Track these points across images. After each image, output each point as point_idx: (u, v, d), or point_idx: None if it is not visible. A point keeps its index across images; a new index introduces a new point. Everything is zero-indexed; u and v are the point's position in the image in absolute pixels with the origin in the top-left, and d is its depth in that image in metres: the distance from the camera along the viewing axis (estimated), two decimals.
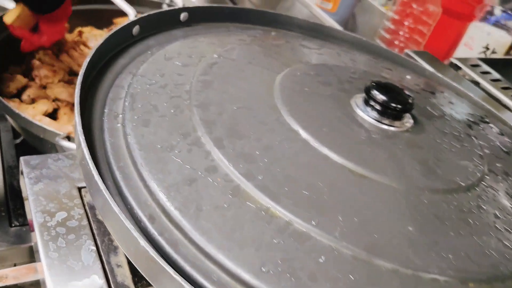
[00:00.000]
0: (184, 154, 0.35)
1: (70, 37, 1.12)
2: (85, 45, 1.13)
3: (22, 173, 0.56)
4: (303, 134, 0.38)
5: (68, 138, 0.77)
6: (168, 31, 0.54)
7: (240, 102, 0.41)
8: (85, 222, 0.52)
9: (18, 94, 0.95)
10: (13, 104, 0.91)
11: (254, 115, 0.40)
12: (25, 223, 0.88)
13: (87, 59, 0.40)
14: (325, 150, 0.37)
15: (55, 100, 0.94)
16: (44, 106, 0.91)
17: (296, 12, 1.20)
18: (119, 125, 0.38)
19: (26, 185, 0.54)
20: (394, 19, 0.94)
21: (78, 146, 0.34)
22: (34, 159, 0.57)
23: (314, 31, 0.62)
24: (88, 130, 0.37)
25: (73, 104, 0.94)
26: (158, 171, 0.33)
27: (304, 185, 0.34)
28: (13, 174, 0.96)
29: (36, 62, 1.00)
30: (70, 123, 0.90)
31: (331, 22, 1.05)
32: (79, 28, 1.17)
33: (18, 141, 1.04)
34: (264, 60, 0.49)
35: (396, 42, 0.92)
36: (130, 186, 0.33)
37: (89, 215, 0.53)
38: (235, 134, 0.37)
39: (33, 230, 0.49)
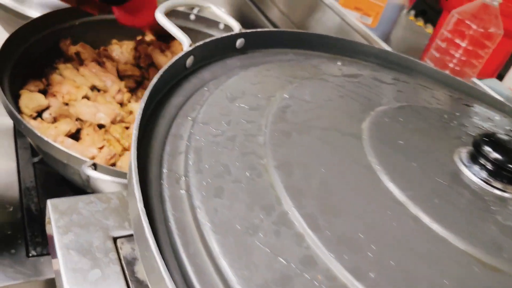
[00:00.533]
0: (272, 239, 0.27)
1: (91, 50, 1.04)
2: (109, 57, 1.05)
3: (49, 218, 0.49)
4: (412, 208, 0.30)
5: (94, 165, 0.69)
6: (223, 59, 0.46)
7: (327, 161, 0.33)
8: (122, 283, 0.44)
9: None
10: (33, 124, 0.84)
11: (348, 181, 0.32)
12: (43, 253, 0.80)
13: (142, 105, 0.32)
14: (442, 232, 0.29)
15: (78, 119, 0.87)
16: (67, 126, 0.83)
17: (329, 23, 1.12)
18: (183, 191, 0.30)
19: (54, 235, 0.46)
20: (446, 37, 0.85)
21: (139, 230, 0.26)
22: (64, 202, 0.49)
23: (386, 60, 0.54)
24: (144, 198, 0.30)
25: (98, 125, 0.87)
26: (241, 265, 0.25)
27: (428, 284, 0.26)
28: (30, 196, 0.89)
29: (56, 77, 0.93)
30: (94, 145, 0.83)
31: (375, 39, 0.97)
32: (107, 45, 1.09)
33: (36, 159, 0.96)
34: (341, 102, 0.41)
35: (451, 65, 0.84)
36: (206, 283, 0.25)
37: (127, 273, 0.45)
38: (329, 208, 0.29)
39: None
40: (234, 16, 1.27)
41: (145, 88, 1.03)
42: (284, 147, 0.33)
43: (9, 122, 1.02)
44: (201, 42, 0.42)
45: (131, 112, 0.93)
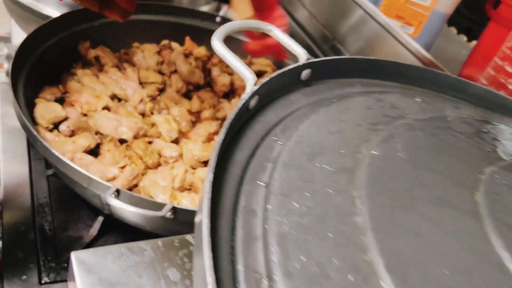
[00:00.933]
0: None
1: (111, 54, 0.96)
2: (129, 62, 0.98)
3: (72, 275, 0.41)
4: None
5: (117, 192, 0.62)
6: (285, 95, 0.38)
7: (446, 256, 0.25)
8: None
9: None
10: (49, 137, 0.76)
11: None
12: (57, 280, 0.73)
13: (210, 176, 0.24)
14: None
15: (98, 133, 0.79)
16: (86, 141, 0.75)
17: (366, 30, 1.03)
18: None
19: None
20: (505, 54, 0.77)
21: None
22: (90, 255, 0.42)
23: (465, 93, 0.46)
24: None
25: (120, 140, 0.79)
26: None
27: None
28: (44, 214, 0.81)
29: (75, 85, 0.85)
30: (115, 163, 0.75)
31: (417, 48, 0.88)
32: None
33: (50, 172, 0.89)
34: (439, 160, 0.33)
35: (511, 87, 0.75)
36: None
37: None
38: None
39: None
40: None
41: (168, 97, 0.96)
42: (390, 234, 0.25)
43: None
44: (266, 79, 0.34)
45: (153, 125, 0.86)
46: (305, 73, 0.39)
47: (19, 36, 1.28)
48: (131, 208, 0.60)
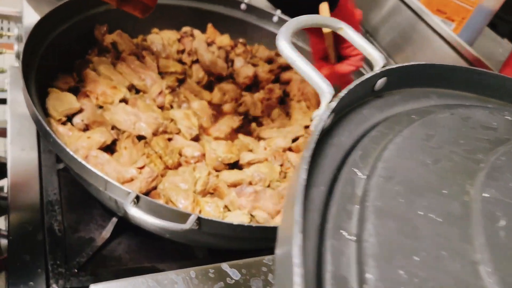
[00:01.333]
0: None
1: (129, 41, 0.89)
2: (148, 49, 0.90)
3: None
4: None
5: (137, 198, 0.55)
6: (357, 109, 0.31)
7: None
8: None
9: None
10: (62, 131, 0.69)
11: None
12: (66, 287, 0.67)
13: (297, 220, 0.17)
14: None
15: (114, 128, 0.72)
16: (101, 136, 0.69)
17: (402, 22, 0.95)
18: None
19: None
20: None
21: None
22: None
23: None
24: None
25: (138, 136, 0.72)
26: None
27: None
28: (53, 213, 0.75)
29: (90, 73, 0.78)
30: (133, 162, 0.68)
31: (460, 42, 0.80)
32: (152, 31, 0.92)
33: (61, 166, 0.82)
34: None
35: None
36: None
37: None
38: None
39: None
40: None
41: (188, 89, 0.88)
42: None
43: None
44: (344, 92, 0.27)
45: (171, 120, 0.79)
46: (380, 83, 0.32)
47: (30, 16, 1.20)
48: (152, 219, 0.54)
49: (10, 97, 0.88)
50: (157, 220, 0.54)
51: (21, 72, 0.64)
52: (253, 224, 0.63)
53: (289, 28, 0.29)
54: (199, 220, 0.54)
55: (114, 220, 0.74)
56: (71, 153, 0.56)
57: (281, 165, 0.73)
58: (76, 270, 0.68)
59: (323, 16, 0.34)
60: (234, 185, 0.68)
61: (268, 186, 0.69)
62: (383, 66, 0.32)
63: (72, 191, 0.80)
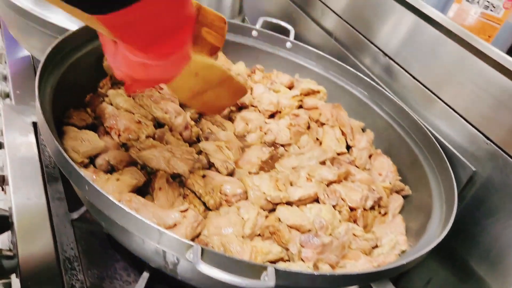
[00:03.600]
0: None
1: None
2: None
3: None
4: None
5: (202, 251, 0.44)
6: None
7: None
8: None
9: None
10: (85, 174, 0.57)
11: None
12: None
13: None
14: None
15: (144, 167, 0.61)
16: (132, 177, 0.57)
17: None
18: None
19: None
20: None
21: None
22: None
23: None
24: None
25: (173, 175, 0.60)
26: None
27: None
28: (74, 272, 0.62)
29: (107, 108, 0.67)
30: (170, 205, 0.57)
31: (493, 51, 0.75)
32: None
33: (75, 215, 0.69)
34: None
35: None
36: None
37: None
38: None
39: None
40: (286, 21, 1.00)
41: (209, 120, 0.78)
42: None
43: (34, 157, 0.74)
44: None
45: (200, 152, 0.69)
46: None
47: (16, 52, 1.08)
48: (223, 275, 0.43)
49: (7, 139, 0.75)
50: (229, 275, 0.43)
51: (40, 110, 0.52)
52: (338, 272, 0.53)
53: None
54: (276, 272, 0.44)
55: (146, 275, 0.62)
56: (117, 202, 0.45)
57: (335, 205, 0.64)
58: None
59: None
60: (292, 228, 0.59)
61: (330, 234, 0.60)
62: None
63: (90, 243, 0.68)
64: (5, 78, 1.04)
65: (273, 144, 0.80)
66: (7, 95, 0.98)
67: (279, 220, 0.60)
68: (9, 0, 0.82)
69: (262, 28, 0.95)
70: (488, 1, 0.85)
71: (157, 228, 0.44)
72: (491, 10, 0.85)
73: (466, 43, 0.77)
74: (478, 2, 0.86)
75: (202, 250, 0.44)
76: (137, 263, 0.66)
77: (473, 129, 0.75)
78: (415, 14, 0.87)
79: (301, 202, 0.63)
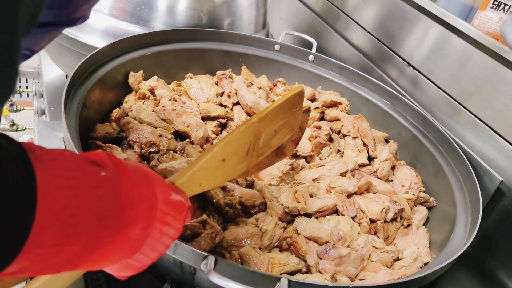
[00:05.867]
0: None
1: (166, 86, 0.80)
2: (186, 94, 0.82)
3: None
4: None
5: (215, 262, 0.44)
6: None
7: None
8: None
9: None
10: None
11: None
12: None
13: None
14: None
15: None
16: None
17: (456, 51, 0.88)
18: None
19: None
20: None
21: None
22: None
23: None
24: None
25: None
26: None
27: None
28: (100, 282, 0.63)
29: (131, 122, 0.68)
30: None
31: None
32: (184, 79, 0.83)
33: None
34: None
35: None
36: None
37: None
38: None
39: None
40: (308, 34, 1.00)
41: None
42: None
43: None
44: None
45: None
46: None
47: (51, 72, 1.13)
48: (236, 285, 0.43)
49: None
50: (240, 286, 0.43)
51: (65, 125, 0.54)
52: (353, 284, 0.52)
53: None
54: (290, 283, 0.44)
55: (167, 286, 0.62)
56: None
57: (354, 217, 0.63)
58: None
59: None
60: (309, 239, 0.58)
61: (348, 246, 0.59)
62: None
63: None
64: (41, 96, 1.09)
65: (295, 156, 0.79)
66: (43, 112, 1.03)
67: (297, 231, 0.59)
68: None
69: (284, 42, 0.96)
70: None
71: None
72: None
73: (494, 53, 0.75)
74: (503, 9, 0.84)
75: (216, 261, 0.45)
76: (159, 275, 0.67)
77: (501, 139, 0.72)
78: (441, 25, 0.85)
79: (320, 214, 0.63)
